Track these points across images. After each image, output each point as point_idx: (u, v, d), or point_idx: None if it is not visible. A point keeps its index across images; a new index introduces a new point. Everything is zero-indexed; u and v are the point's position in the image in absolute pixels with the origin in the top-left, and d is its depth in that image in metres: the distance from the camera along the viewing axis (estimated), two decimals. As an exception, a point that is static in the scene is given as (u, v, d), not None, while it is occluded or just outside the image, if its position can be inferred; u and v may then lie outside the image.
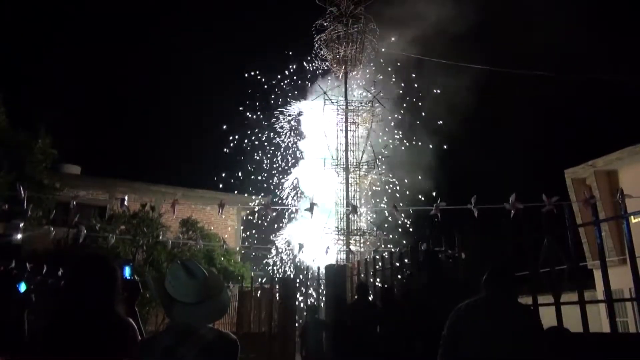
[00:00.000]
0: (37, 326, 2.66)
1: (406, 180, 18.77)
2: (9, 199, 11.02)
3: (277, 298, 9.33)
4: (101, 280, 2.44)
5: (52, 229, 11.06)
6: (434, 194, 17.84)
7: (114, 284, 2.47)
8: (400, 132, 19.45)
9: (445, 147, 19.50)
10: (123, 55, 51.33)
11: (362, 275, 7.54)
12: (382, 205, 17.99)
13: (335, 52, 18.63)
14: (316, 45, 18.92)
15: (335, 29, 18.55)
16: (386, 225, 17.51)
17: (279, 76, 19.89)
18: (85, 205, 18.42)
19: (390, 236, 17.79)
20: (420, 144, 19.74)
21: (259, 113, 19.89)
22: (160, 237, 14.44)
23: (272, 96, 19.95)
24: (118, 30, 51.43)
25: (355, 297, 6.90)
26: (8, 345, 3.00)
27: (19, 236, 12.12)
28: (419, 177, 19.05)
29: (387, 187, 18.40)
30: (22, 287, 3.89)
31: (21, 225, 11.19)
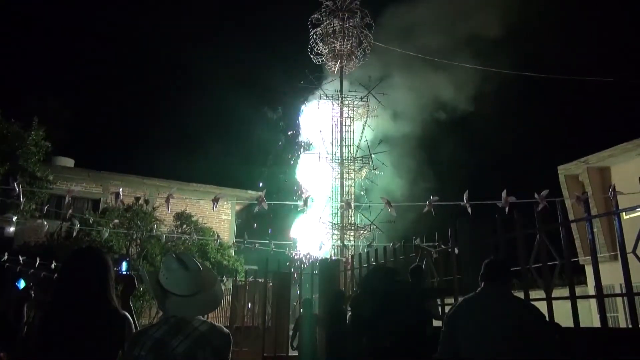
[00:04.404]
0: (34, 319, 2.66)
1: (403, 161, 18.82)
2: (1, 191, 10.95)
3: (271, 292, 9.36)
4: (95, 271, 2.45)
5: (45, 222, 11.00)
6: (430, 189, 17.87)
7: (108, 275, 2.48)
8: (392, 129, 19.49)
9: (440, 145, 19.56)
10: (116, 48, 50.94)
11: (357, 269, 7.56)
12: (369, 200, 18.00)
13: (330, 46, 18.58)
14: (312, 39, 18.86)
15: (331, 23, 18.49)
16: (391, 220, 17.48)
17: (275, 70, 19.87)
18: (79, 199, 18.35)
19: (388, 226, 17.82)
20: (415, 140, 19.81)
21: (264, 109, 19.84)
22: (154, 231, 14.42)
23: (269, 90, 19.94)
24: (111, 22, 51.05)
25: (357, 291, 6.84)
26: (4, 343, 3.01)
27: (12, 229, 12.07)
28: (413, 173, 19.11)
29: (378, 183, 18.42)
30: (22, 284, 3.91)
31: (14, 218, 11.13)
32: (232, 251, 17.24)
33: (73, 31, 49.86)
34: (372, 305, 5.43)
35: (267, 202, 7.12)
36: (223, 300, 15.23)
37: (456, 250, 5.84)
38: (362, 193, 17.81)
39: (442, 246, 6.77)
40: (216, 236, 14.42)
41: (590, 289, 13.87)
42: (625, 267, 4.09)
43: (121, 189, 8.77)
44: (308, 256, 12.78)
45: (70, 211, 11.49)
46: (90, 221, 13.91)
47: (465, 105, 22.97)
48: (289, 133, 19.77)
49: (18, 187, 7.04)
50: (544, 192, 5.62)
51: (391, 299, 5.13)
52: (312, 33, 18.70)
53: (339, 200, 16.63)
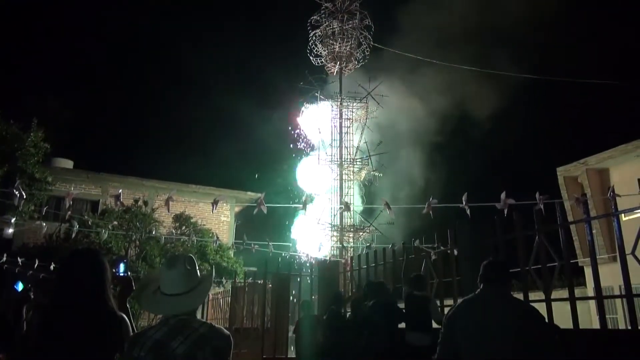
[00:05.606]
0: (32, 317, 2.67)
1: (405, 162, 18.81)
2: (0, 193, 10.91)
3: (270, 293, 9.36)
4: (92, 272, 2.46)
5: (44, 224, 10.97)
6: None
7: (105, 276, 2.49)
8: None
9: (438, 146, 19.59)
10: (116, 48, 50.95)
11: (355, 270, 7.56)
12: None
13: (330, 48, 18.57)
14: (311, 41, 18.83)
15: (330, 25, 18.48)
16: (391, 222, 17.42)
17: (275, 71, 19.88)
18: (78, 200, 18.33)
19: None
20: (414, 142, 19.82)
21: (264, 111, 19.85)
22: (153, 232, 14.41)
23: (269, 91, 19.95)
24: (111, 22, 51.06)
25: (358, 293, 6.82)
26: (4, 343, 3.01)
27: (10, 230, 12.03)
28: (413, 174, 19.12)
29: (376, 184, 18.37)
30: (20, 286, 3.91)
31: (12, 219, 11.11)
32: (231, 253, 17.22)
33: (73, 31, 49.87)
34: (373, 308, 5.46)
35: (266, 205, 7.09)
36: (222, 301, 15.11)
37: (455, 252, 5.85)
38: (360, 194, 17.79)
39: (442, 247, 6.77)
40: (215, 238, 14.40)
41: (590, 291, 13.87)
42: (625, 269, 4.10)
43: (120, 190, 8.76)
44: (307, 257, 12.78)
45: (69, 213, 11.46)
46: (89, 222, 13.89)
47: (466, 107, 23.02)
48: (288, 134, 19.76)
49: (18, 189, 6.99)
50: (543, 195, 5.63)
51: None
52: (311, 35, 18.70)
53: (339, 201, 16.62)
